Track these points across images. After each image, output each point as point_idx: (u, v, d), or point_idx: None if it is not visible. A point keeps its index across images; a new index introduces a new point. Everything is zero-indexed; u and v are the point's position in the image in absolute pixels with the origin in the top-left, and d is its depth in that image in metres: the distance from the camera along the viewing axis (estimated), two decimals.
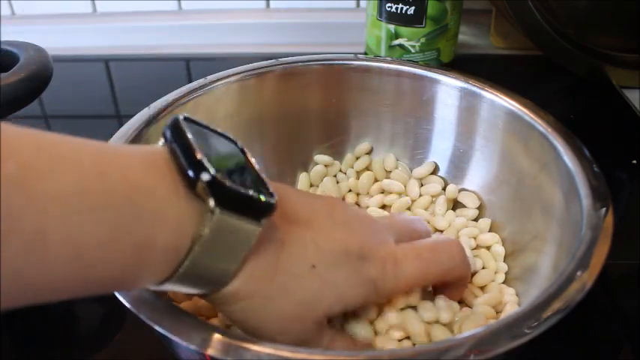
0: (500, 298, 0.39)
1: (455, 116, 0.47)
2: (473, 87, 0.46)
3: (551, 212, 0.39)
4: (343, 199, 0.49)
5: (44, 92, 0.40)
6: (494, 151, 0.46)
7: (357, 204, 0.49)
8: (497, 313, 0.39)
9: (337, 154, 0.51)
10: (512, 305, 0.39)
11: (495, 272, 0.42)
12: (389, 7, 0.60)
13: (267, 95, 0.49)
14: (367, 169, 0.50)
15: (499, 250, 0.43)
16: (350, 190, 0.50)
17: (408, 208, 0.47)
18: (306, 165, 0.51)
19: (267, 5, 0.74)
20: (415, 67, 0.48)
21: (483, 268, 0.42)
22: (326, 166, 0.51)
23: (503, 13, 0.67)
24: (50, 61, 0.40)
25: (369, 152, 0.51)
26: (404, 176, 0.49)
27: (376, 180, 0.49)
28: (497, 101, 0.44)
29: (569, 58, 0.63)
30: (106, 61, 0.72)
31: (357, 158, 0.51)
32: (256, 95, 0.48)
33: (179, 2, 0.74)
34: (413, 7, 0.59)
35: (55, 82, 0.43)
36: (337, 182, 0.50)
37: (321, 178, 0.50)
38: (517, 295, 0.40)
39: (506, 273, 0.42)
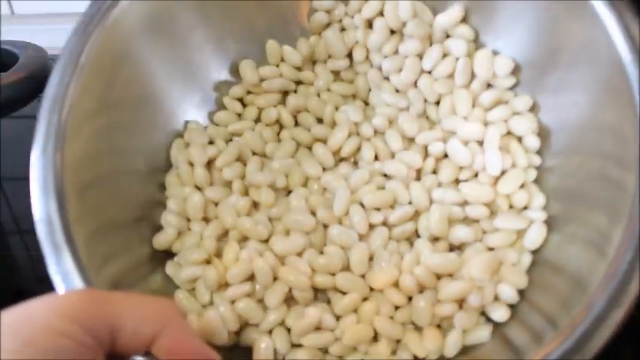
0: (525, 221, 0.35)
1: None
2: None
3: None
4: (350, 54, 0.41)
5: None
6: None
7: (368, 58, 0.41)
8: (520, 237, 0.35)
9: None
10: (538, 228, 0.34)
11: (526, 169, 0.36)
12: None
13: None
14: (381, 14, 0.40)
15: (531, 142, 0.36)
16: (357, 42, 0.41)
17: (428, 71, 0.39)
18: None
19: None
20: None
21: (513, 166, 0.36)
22: (327, 12, 0.41)
23: None
24: (49, 61, 0.39)
25: None
26: (423, 29, 0.39)
27: (392, 32, 0.40)
28: None
29: None
30: None
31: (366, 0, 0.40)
32: None
33: None
34: None
35: None
36: (343, 30, 0.41)
37: (323, 27, 0.41)
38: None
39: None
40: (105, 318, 0.23)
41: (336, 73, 0.41)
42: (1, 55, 0.41)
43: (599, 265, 0.29)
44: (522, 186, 0.36)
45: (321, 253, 0.35)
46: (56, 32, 0.34)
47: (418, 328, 0.34)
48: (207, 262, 0.35)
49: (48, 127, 0.32)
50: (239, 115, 0.41)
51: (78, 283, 0.30)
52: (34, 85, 0.33)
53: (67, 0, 0.35)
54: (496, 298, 0.33)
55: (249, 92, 0.41)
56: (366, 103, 0.41)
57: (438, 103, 0.39)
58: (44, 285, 0.43)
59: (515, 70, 0.37)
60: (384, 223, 0.36)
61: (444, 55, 0.39)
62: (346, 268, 0.35)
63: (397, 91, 0.40)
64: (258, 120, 0.41)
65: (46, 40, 0.37)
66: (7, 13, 0.59)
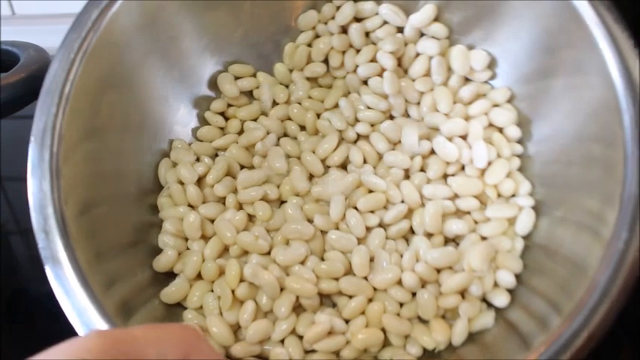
0: (515, 209, 0.36)
1: None
2: None
3: None
4: (326, 60, 0.41)
5: None
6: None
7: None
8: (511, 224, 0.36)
9: None
10: (527, 215, 0.36)
11: (510, 158, 0.38)
12: None
13: None
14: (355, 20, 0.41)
15: (513, 133, 0.38)
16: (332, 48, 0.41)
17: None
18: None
19: None
20: None
21: (498, 157, 0.37)
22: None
23: None
24: (50, 61, 0.36)
25: None
26: (396, 45, 0.39)
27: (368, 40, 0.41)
28: None
29: None
30: None
31: (338, 8, 0.41)
32: None
33: None
34: None
35: None
36: (317, 36, 0.42)
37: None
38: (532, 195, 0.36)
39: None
40: (127, 357, 0.23)
41: (314, 80, 0.42)
42: (1, 56, 0.41)
43: (595, 246, 0.30)
44: (508, 175, 0.37)
45: (322, 259, 0.36)
46: (57, 33, 0.34)
47: (424, 322, 0.35)
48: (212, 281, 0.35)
49: (40, 162, 0.32)
50: (222, 129, 0.41)
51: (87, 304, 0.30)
52: (35, 85, 0.33)
53: (69, 0, 0.35)
54: (495, 285, 0.35)
55: (230, 105, 0.41)
56: None
57: (418, 102, 0.40)
58: (45, 285, 0.42)
59: (491, 63, 0.39)
60: (380, 224, 0.37)
61: (417, 55, 0.40)
62: (348, 271, 0.35)
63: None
64: (241, 132, 0.41)
65: (47, 40, 0.37)
66: (7, 14, 0.59)
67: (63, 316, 0.39)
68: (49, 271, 0.30)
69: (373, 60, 0.40)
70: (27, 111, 0.36)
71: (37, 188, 0.31)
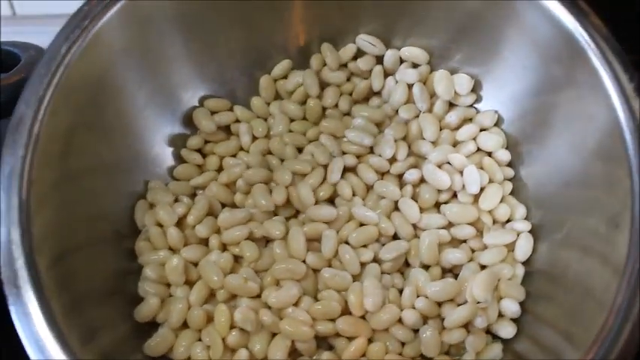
0: (512, 234, 0.35)
1: None
2: None
3: None
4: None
5: None
6: None
7: None
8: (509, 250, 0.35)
9: None
10: (526, 240, 0.35)
11: (501, 183, 0.37)
12: None
13: None
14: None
15: (502, 156, 0.37)
16: None
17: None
18: None
19: None
20: None
21: (490, 182, 0.36)
22: None
23: None
24: None
25: None
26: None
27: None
28: None
29: None
30: None
31: None
32: None
33: None
34: None
35: None
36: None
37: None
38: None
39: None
40: None
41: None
42: (2, 56, 0.41)
43: (606, 270, 0.29)
44: (502, 200, 0.36)
45: (316, 299, 0.34)
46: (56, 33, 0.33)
47: (428, 359, 0.33)
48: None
49: (8, 210, 0.29)
50: (199, 166, 0.39)
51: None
52: None
53: (69, 0, 0.33)
54: (500, 315, 0.33)
55: (207, 141, 0.39)
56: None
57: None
58: None
59: (475, 85, 0.38)
60: (374, 259, 0.35)
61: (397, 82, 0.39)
62: (345, 310, 0.33)
63: None
64: (220, 168, 0.39)
65: (48, 41, 0.35)
66: (8, 14, 0.57)
67: None
68: (19, 326, 0.27)
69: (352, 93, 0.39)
70: None
71: (5, 238, 0.28)
